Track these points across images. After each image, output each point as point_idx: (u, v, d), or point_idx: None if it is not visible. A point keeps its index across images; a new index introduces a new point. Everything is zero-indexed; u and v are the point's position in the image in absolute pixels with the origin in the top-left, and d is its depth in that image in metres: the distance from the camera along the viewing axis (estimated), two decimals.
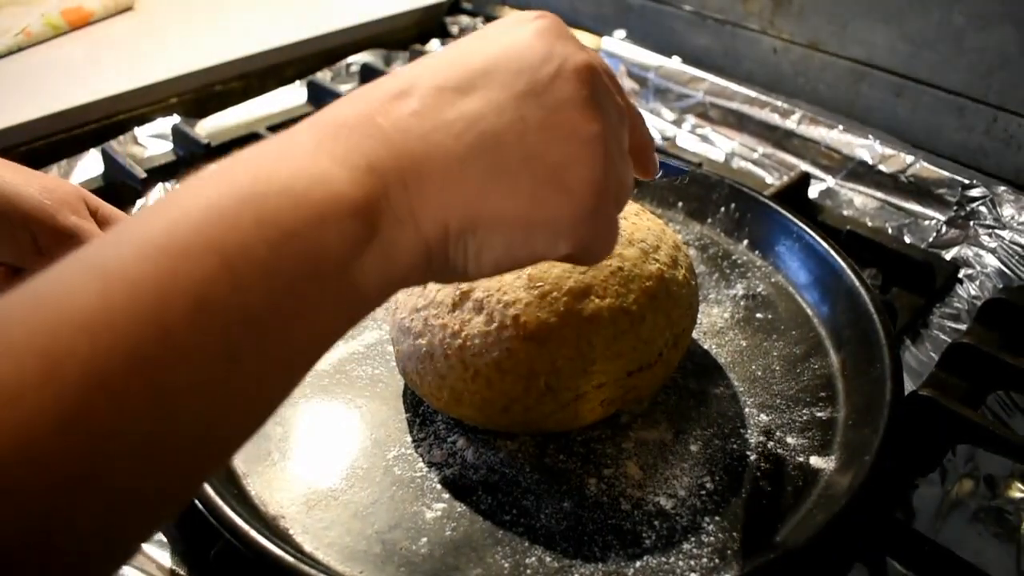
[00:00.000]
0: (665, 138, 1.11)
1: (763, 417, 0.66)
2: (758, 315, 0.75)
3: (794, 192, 0.89)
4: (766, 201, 0.83)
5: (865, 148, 0.98)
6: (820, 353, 0.72)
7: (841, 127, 1.00)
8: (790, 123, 1.03)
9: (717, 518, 0.58)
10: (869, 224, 0.92)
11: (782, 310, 0.76)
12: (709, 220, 0.86)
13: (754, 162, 1.04)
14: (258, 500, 0.59)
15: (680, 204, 0.88)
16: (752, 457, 0.63)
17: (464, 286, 0.59)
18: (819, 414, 0.66)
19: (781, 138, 1.04)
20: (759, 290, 0.78)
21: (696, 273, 0.68)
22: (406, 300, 0.62)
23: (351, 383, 0.68)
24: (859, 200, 0.95)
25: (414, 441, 0.63)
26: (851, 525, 0.56)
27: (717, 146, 1.08)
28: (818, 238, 0.77)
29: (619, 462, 0.62)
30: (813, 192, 0.96)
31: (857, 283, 0.72)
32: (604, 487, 0.60)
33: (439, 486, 0.60)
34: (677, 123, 1.13)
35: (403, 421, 0.65)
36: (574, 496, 0.59)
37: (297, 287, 0.31)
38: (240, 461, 0.62)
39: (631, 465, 0.62)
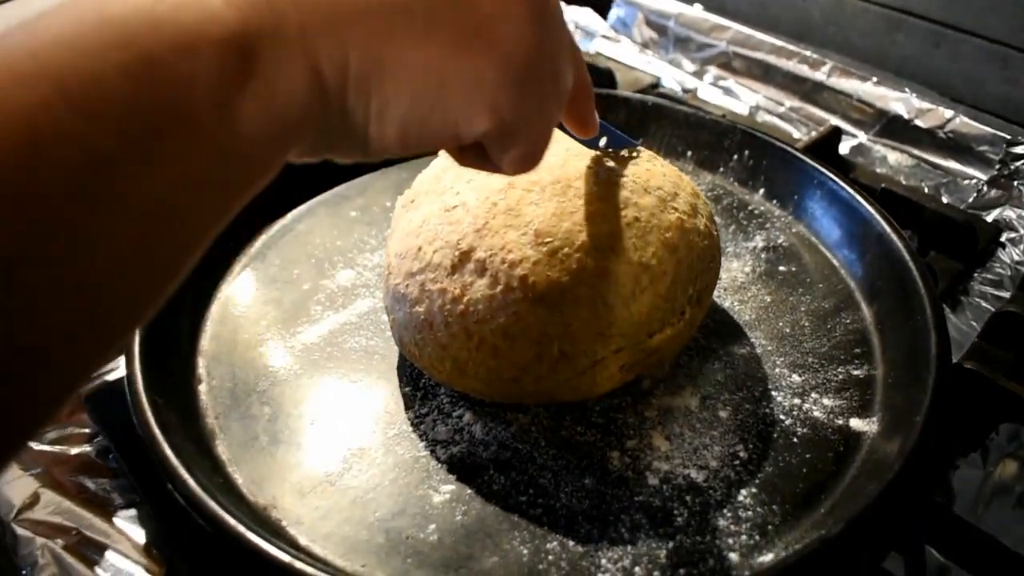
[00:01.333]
0: (685, 90, 1.03)
1: (795, 378, 0.59)
2: (781, 268, 0.69)
3: (824, 148, 0.82)
4: (783, 146, 0.76)
5: (900, 102, 0.90)
6: (851, 306, 0.65)
7: (874, 79, 0.93)
8: (819, 75, 0.95)
9: (754, 490, 0.52)
10: (904, 183, 0.85)
11: (807, 262, 0.69)
12: (721, 169, 0.79)
13: (780, 116, 0.96)
14: (246, 490, 0.52)
15: (689, 153, 0.81)
16: (787, 421, 0.56)
17: (464, 245, 0.52)
18: (855, 372, 0.60)
19: (810, 91, 0.96)
20: (780, 241, 0.72)
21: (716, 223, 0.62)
22: (399, 264, 0.55)
23: (343, 356, 0.61)
24: (893, 157, 0.88)
25: (416, 418, 0.57)
26: (904, 496, 0.50)
27: (741, 99, 1.00)
28: (842, 183, 0.71)
29: (643, 432, 0.55)
30: (844, 148, 0.89)
31: (888, 229, 0.66)
32: (628, 461, 0.54)
33: (446, 466, 0.54)
34: (698, 75, 1.05)
35: (402, 396, 0.58)
36: (596, 472, 0.53)
37: (158, 124, 0.26)
38: (224, 447, 0.55)
39: (656, 435, 0.55)
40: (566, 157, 0.55)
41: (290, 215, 0.75)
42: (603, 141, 0.56)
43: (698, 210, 0.57)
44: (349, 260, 0.70)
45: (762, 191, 0.76)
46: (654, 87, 1.04)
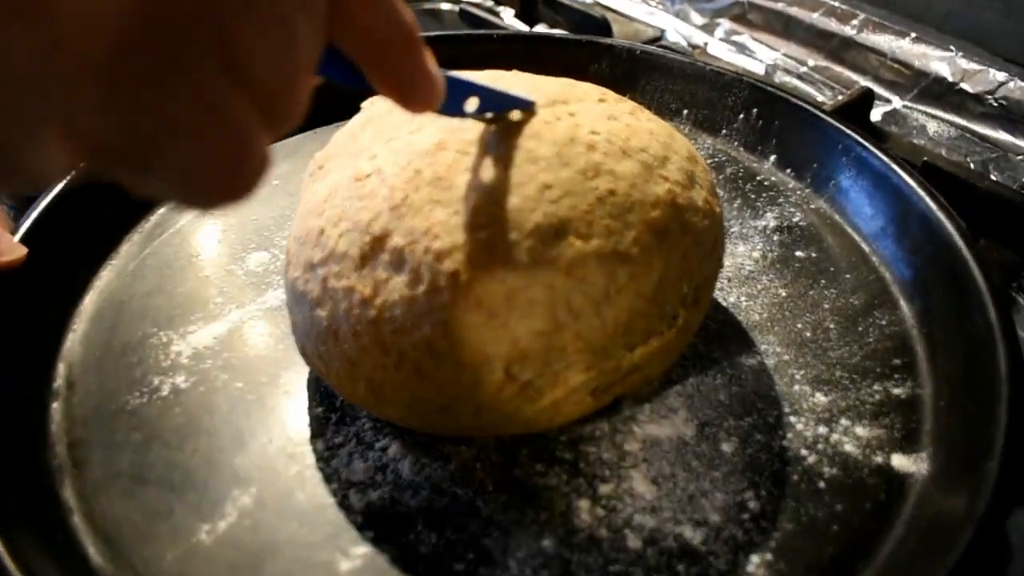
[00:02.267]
0: (692, 46, 0.87)
1: (819, 397, 0.46)
2: (798, 253, 0.55)
3: (853, 113, 0.67)
4: (800, 103, 0.61)
5: (944, 62, 0.75)
6: (887, 303, 0.51)
7: (913, 35, 0.77)
8: (849, 29, 0.80)
9: (768, 556, 0.38)
10: (946, 157, 0.70)
11: (829, 246, 0.55)
12: (724, 131, 0.65)
13: (801, 77, 0.81)
14: (92, 550, 0.39)
15: (685, 112, 0.66)
16: (810, 459, 0.42)
17: (376, 228, 0.37)
18: (896, 391, 0.46)
19: (837, 48, 0.80)
20: (796, 220, 0.57)
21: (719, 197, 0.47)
22: (298, 252, 0.41)
23: (243, 365, 0.47)
24: (933, 127, 0.73)
25: (327, 449, 0.43)
26: (973, 568, 0.36)
27: (756, 57, 0.84)
28: (873, 149, 0.56)
29: (621, 473, 0.42)
30: (875, 115, 0.74)
31: (935, 207, 0.51)
32: (602, 514, 0.40)
33: (360, 518, 0.40)
34: (708, 29, 0.89)
35: (312, 420, 0.44)
36: (558, 530, 0.39)
37: None
38: (73, 488, 0.41)
39: (639, 477, 0.41)
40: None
41: None
42: (471, 105, 0.37)
43: (696, 179, 0.42)
44: (264, 240, 0.56)
45: (773, 158, 0.62)
46: (656, 41, 0.88)
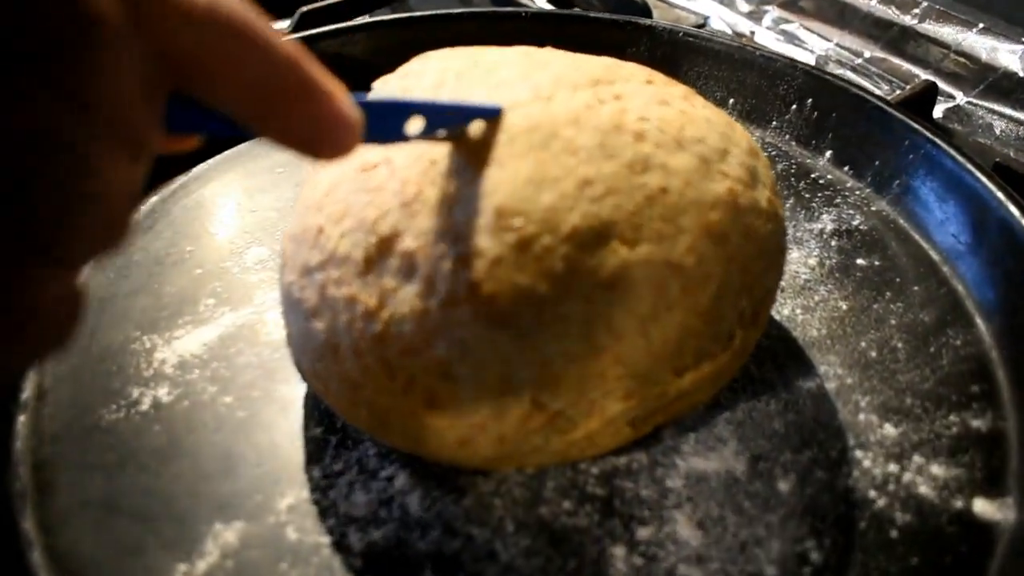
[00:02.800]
0: (737, 34, 0.81)
1: (888, 429, 0.39)
2: (859, 261, 0.48)
3: (915, 108, 0.59)
4: (860, 93, 0.55)
5: (1014, 55, 0.68)
6: (961, 321, 0.45)
7: (980, 25, 0.70)
8: (910, 19, 0.73)
9: None
10: (1014, 158, 0.63)
11: (895, 254, 0.49)
12: (774, 123, 0.58)
13: (856, 69, 0.74)
14: None
15: (731, 101, 0.60)
16: (879, 502, 0.37)
17: (384, 228, 0.31)
18: (975, 423, 0.40)
19: (896, 38, 0.73)
20: (856, 223, 0.51)
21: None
22: (294, 253, 0.35)
23: (234, 376, 0.42)
24: (1001, 125, 0.65)
25: (324, 477, 0.37)
26: None
27: (807, 47, 0.77)
28: (946, 146, 0.50)
29: (663, 514, 0.36)
30: (937, 112, 0.67)
31: (1017, 213, 0.45)
32: (640, 562, 0.34)
33: (360, 562, 0.34)
34: (755, 16, 0.82)
35: (309, 443, 0.39)
36: None
37: None
38: (35, 519, 0.36)
39: (682, 520, 0.36)
40: (553, 86, 0.35)
41: (193, 171, 0.55)
42: (415, 127, 0.30)
43: (758, 176, 0.36)
44: (265, 234, 0.50)
45: (829, 154, 0.55)
46: (699, 28, 0.82)
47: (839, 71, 0.73)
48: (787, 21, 0.80)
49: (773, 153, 0.56)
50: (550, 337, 0.30)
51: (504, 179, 0.31)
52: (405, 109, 0.30)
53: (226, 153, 0.56)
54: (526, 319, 0.30)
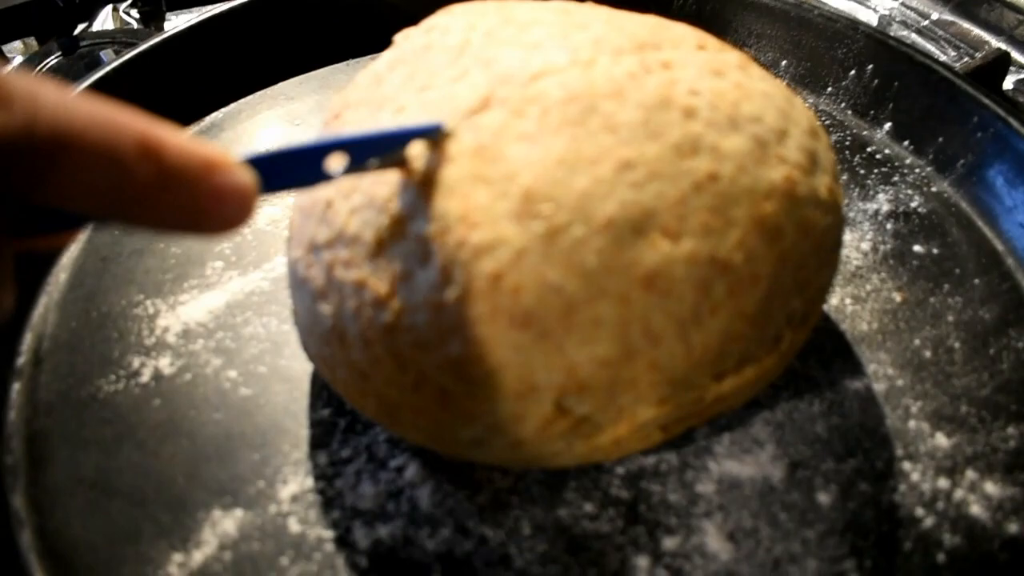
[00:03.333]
0: None
1: (940, 439, 0.36)
2: (916, 248, 0.44)
3: (986, 78, 0.53)
4: (926, 61, 0.50)
5: None
6: None
7: None
8: None
9: None
10: None
11: (955, 241, 0.45)
12: (829, 89, 0.53)
13: (921, 32, 0.68)
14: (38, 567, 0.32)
15: (784, 63, 0.55)
16: (927, 521, 0.33)
17: (397, 209, 0.28)
18: None
19: (968, 1, 0.67)
20: (914, 205, 0.47)
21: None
22: (302, 225, 0.32)
23: (240, 348, 0.39)
24: None
25: (331, 464, 0.35)
26: None
27: (870, 4, 0.71)
28: (1017, 125, 0.45)
29: (691, 523, 0.33)
30: (1007, 83, 0.61)
31: None
32: (664, 575, 0.32)
33: (365, 560, 0.32)
34: None
35: (316, 425, 0.36)
36: None
37: None
38: (26, 497, 0.34)
39: (712, 531, 0.33)
40: (594, 49, 0.31)
41: (209, 117, 0.52)
42: (337, 164, 0.26)
43: (818, 161, 0.32)
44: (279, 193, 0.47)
45: (888, 126, 0.51)
46: None
47: (903, 33, 0.67)
48: None
49: (827, 122, 0.52)
50: (579, 340, 0.27)
51: (534, 158, 0.27)
52: (319, 151, 0.26)
53: (265, 91, 0.53)
54: (552, 319, 0.27)
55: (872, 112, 0.52)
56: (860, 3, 0.70)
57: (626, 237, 0.27)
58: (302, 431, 0.36)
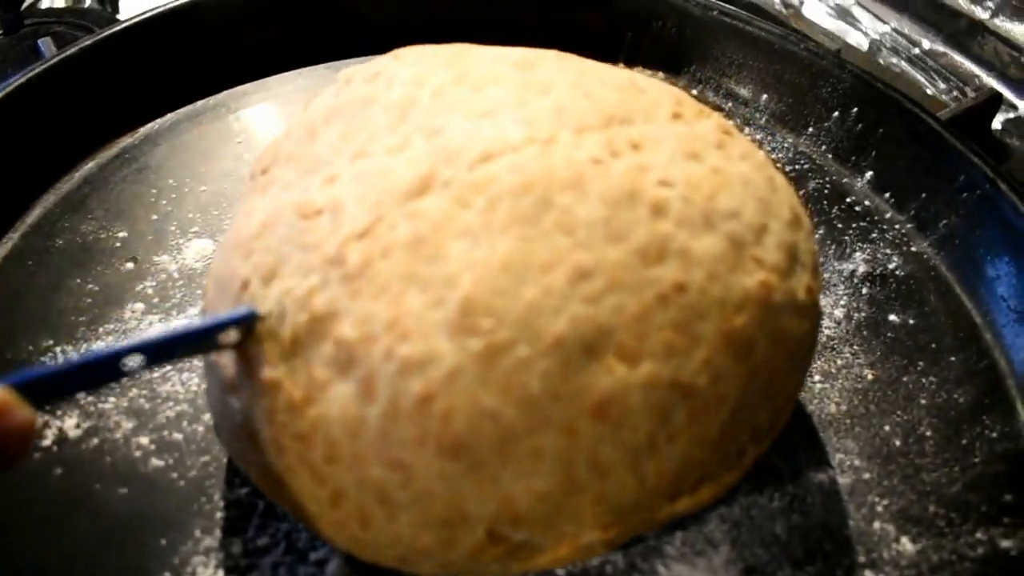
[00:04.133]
0: (787, 5, 0.69)
1: (905, 544, 0.33)
2: (892, 317, 0.41)
3: (975, 121, 0.51)
4: (915, 110, 0.46)
5: None
6: (1000, 406, 0.38)
7: None
8: (980, 11, 0.62)
9: None
10: None
11: (932, 311, 0.42)
12: (810, 130, 0.50)
13: (912, 60, 0.64)
14: None
15: (764, 98, 0.51)
16: None
17: (319, 305, 0.24)
18: (1004, 543, 0.33)
19: (962, 32, 0.62)
20: (892, 267, 0.43)
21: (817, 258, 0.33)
22: (216, 301, 0.28)
23: (154, 409, 0.35)
24: None
25: (245, 554, 0.31)
26: None
27: (861, 27, 0.66)
28: (1008, 191, 0.42)
29: None
30: (996, 122, 0.57)
31: None
32: None
33: None
34: None
35: (232, 504, 0.32)
36: None
37: None
38: None
39: None
40: (554, 122, 0.27)
41: (140, 131, 0.47)
42: (135, 361, 0.24)
43: (798, 256, 0.29)
44: (214, 221, 0.42)
45: (870, 175, 0.47)
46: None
47: (892, 60, 0.63)
48: None
49: (806, 166, 0.48)
50: (516, 472, 0.23)
51: (477, 259, 0.23)
52: (110, 359, 0.24)
53: (177, 112, 0.48)
54: (486, 449, 0.23)
55: (854, 158, 0.48)
56: (851, 25, 0.66)
57: (576, 360, 0.23)
58: (216, 513, 0.32)
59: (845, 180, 0.47)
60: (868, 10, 0.66)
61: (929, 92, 0.61)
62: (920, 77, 0.62)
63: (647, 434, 0.24)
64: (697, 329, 0.25)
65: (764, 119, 0.51)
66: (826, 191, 0.47)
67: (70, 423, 0.34)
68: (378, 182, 0.25)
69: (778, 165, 0.38)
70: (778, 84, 0.50)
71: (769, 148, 0.49)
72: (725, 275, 0.25)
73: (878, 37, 0.65)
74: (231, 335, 0.25)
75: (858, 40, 0.65)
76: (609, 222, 0.24)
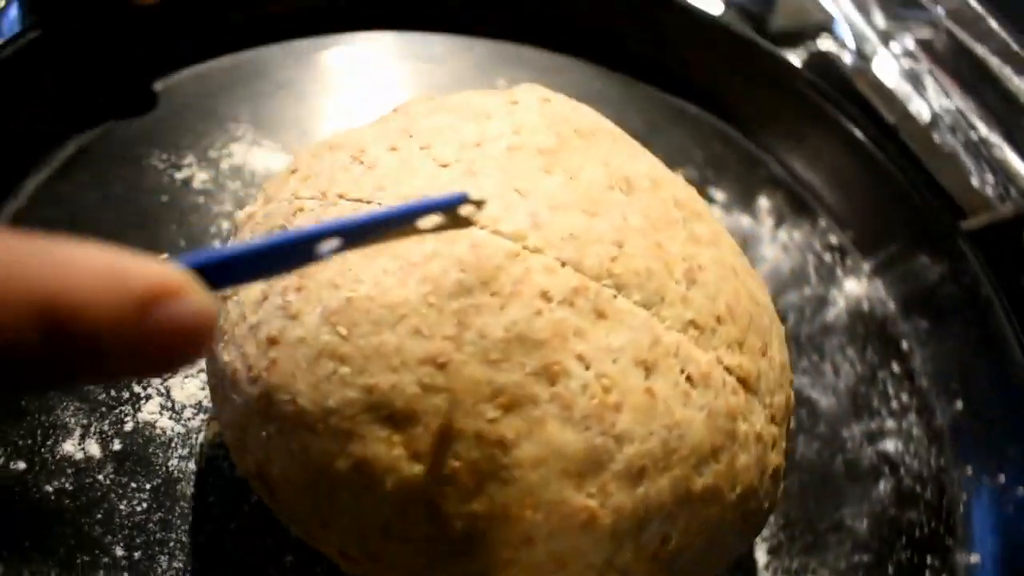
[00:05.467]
0: (861, 56, 0.63)
1: None
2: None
3: (1003, 234, 0.48)
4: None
5: None
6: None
7: None
8: None
9: None
10: None
11: None
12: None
13: (967, 145, 0.58)
14: None
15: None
16: None
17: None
18: None
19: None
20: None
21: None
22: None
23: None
24: None
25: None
26: None
27: (925, 96, 0.60)
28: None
29: None
30: None
31: None
32: None
33: None
34: (884, 39, 0.63)
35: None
36: None
37: None
38: None
39: None
40: (534, 216, 0.27)
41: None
42: (329, 246, 0.22)
43: (769, 441, 0.28)
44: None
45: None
46: (821, 31, 0.64)
47: (948, 138, 0.58)
48: (916, 59, 0.62)
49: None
50: None
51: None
52: (307, 240, 0.22)
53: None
54: None
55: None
56: (917, 90, 0.61)
57: None
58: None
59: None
60: (937, 80, 0.61)
61: (974, 183, 0.57)
62: (970, 164, 0.58)
63: None
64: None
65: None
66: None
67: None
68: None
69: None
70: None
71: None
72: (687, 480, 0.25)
73: (939, 111, 0.60)
74: (433, 220, 0.24)
75: (919, 108, 0.61)
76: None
